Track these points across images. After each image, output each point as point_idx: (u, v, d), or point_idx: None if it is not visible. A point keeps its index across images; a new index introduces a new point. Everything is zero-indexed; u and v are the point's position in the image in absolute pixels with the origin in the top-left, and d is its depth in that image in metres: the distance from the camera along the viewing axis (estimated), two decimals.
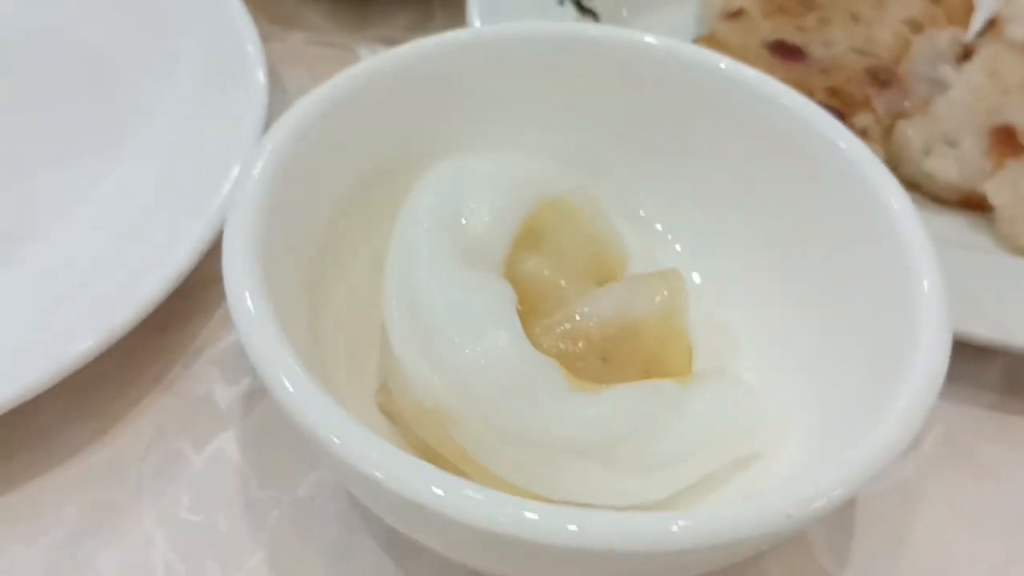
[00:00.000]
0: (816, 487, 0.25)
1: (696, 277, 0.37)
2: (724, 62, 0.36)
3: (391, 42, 0.54)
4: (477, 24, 0.45)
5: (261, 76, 0.42)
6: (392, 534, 0.33)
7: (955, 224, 0.45)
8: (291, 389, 0.26)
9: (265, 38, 0.46)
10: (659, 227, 0.39)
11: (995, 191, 0.43)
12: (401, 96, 0.36)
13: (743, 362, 0.35)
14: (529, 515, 0.23)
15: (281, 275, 0.30)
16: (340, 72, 0.34)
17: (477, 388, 0.29)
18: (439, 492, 0.24)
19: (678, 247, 0.38)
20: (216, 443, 0.35)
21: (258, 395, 0.36)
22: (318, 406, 0.25)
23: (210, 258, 0.36)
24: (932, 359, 0.28)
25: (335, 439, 0.25)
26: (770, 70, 0.44)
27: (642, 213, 0.38)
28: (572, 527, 0.23)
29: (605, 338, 0.33)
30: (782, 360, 0.35)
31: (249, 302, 0.27)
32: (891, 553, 0.35)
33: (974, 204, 0.44)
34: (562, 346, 0.32)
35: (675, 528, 0.24)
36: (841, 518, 0.36)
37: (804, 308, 0.34)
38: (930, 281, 0.29)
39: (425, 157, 0.35)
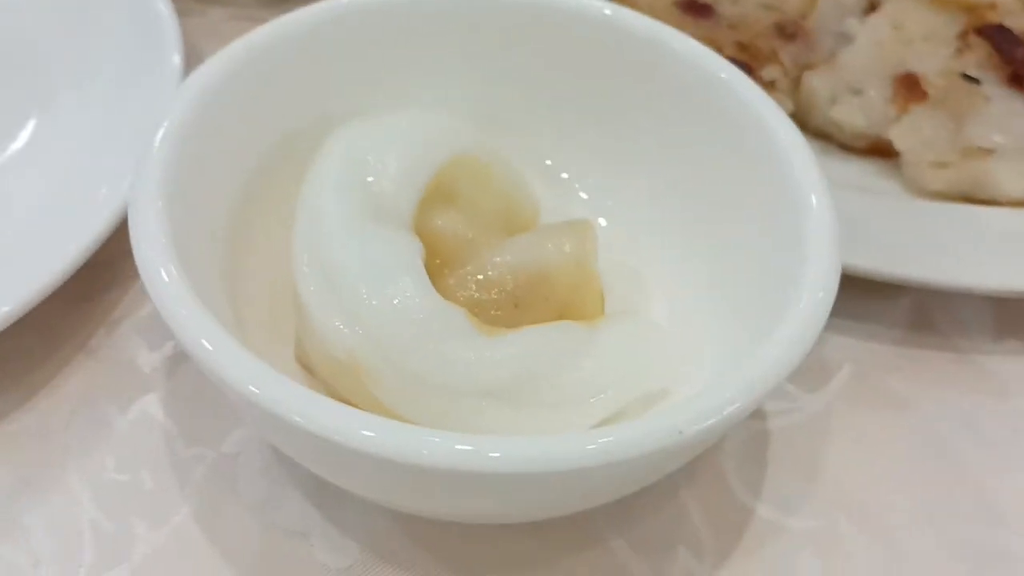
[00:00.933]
0: (706, 406, 0.26)
1: (603, 222, 0.38)
2: (630, 17, 0.37)
3: None
4: None
5: (176, 57, 0.43)
6: (316, 484, 0.34)
7: (863, 170, 0.46)
8: (210, 348, 0.27)
9: (185, 13, 0.47)
10: (565, 176, 0.40)
11: (900, 137, 0.45)
12: (311, 57, 0.37)
13: (653, 302, 0.37)
14: (460, 445, 0.25)
15: (192, 239, 0.31)
16: (245, 35, 0.35)
17: (386, 337, 0.30)
18: (368, 433, 0.25)
19: (584, 195, 0.39)
20: (140, 405, 0.36)
21: (180, 358, 0.37)
22: (237, 361, 0.26)
23: (127, 229, 0.37)
24: (817, 289, 0.29)
25: (254, 389, 0.26)
26: (680, 27, 0.45)
27: (548, 163, 0.39)
28: (495, 453, 0.25)
29: (517, 285, 0.34)
30: (688, 298, 0.36)
31: (161, 269, 0.28)
32: (804, 483, 0.36)
33: (881, 150, 0.46)
34: (476, 295, 0.34)
35: (576, 447, 0.25)
36: (755, 453, 0.37)
37: (706, 248, 0.36)
38: (818, 216, 0.31)
39: (338, 118, 0.36)
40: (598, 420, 0.32)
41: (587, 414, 0.32)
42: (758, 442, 0.37)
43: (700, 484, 0.36)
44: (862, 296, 0.41)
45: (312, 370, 0.33)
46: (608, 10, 0.37)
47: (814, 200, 0.31)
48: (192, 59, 0.44)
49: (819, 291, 0.29)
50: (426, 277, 0.31)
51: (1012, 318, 0.42)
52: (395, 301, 0.30)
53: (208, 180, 0.33)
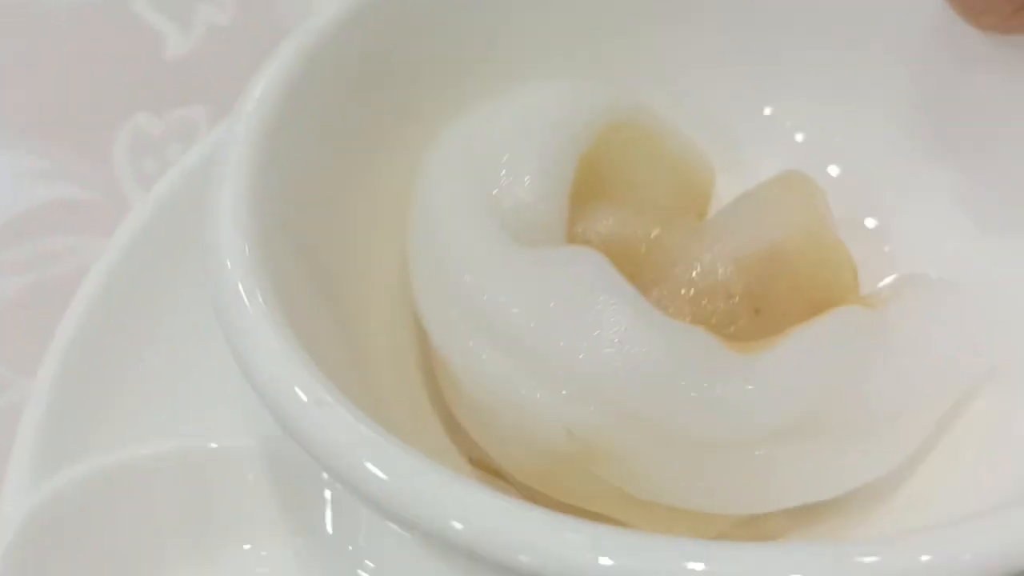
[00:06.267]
0: None
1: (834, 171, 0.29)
2: None
3: None
4: None
5: None
6: None
7: None
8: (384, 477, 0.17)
9: None
10: (768, 112, 0.30)
11: None
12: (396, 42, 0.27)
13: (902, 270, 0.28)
14: None
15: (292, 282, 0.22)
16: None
17: (617, 391, 0.21)
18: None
19: (799, 136, 0.30)
20: None
21: None
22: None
23: None
24: None
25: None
26: None
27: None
28: None
29: (749, 283, 0.25)
30: (952, 257, 0.27)
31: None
32: None
33: None
34: (701, 313, 0.25)
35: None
36: None
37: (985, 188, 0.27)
38: None
39: (438, 109, 0.27)
40: (918, 442, 0.24)
41: (904, 436, 0.24)
42: None
43: None
44: None
45: (503, 476, 0.24)
46: None
47: None
48: None
49: None
50: (637, 291, 0.23)
51: None
52: (615, 339, 0.21)
53: (296, 202, 0.24)
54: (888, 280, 0.26)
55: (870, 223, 0.28)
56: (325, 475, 0.25)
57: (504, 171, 0.25)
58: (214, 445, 0.26)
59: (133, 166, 0.37)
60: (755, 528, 0.24)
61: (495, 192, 0.25)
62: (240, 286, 0.20)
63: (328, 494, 0.26)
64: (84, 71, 0.40)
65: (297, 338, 0.20)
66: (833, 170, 0.29)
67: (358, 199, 0.26)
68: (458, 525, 0.17)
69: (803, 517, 0.24)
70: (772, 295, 0.25)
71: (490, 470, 0.24)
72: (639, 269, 0.25)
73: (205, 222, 0.21)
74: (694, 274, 0.25)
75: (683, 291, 0.25)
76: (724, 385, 0.21)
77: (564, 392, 0.21)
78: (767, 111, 0.30)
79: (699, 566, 0.15)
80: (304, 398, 0.18)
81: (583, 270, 0.23)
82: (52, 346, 0.27)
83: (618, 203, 0.27)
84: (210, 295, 0.21)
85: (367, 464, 0.17)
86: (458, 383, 0.23)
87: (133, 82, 0.39)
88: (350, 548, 0.26)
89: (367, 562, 0.25)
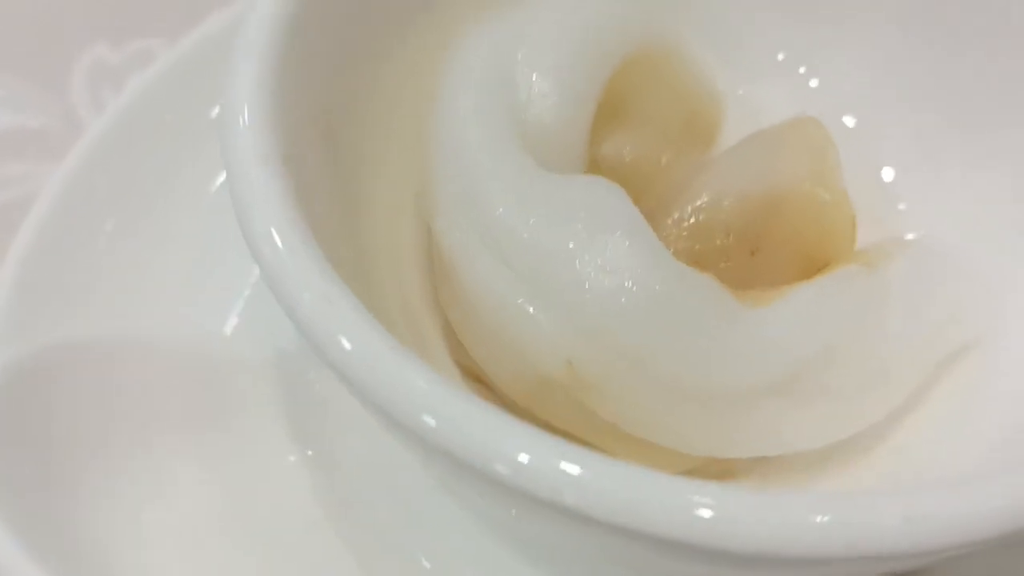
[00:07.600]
0: None
1: (850, 122, 0.29)
2: None
3: None
4: None
5: None
6: None
7: None
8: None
9: None
10: (782, 58, 0.30)
11: None
12: None
13: (911, 227, 0.28)
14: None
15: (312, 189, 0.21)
16: None
17: (625, 332, 0.21)
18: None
19: (814, 83, 0.29)
20: None
21: None
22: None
23: None
24: None
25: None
26: None
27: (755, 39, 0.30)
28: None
29: (748, 223, 0.25)
30: (960, 218, 0.27)
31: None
32: None
33: None
34: (699, 246, 0.25)
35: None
36: None
37: (992, 147, 0.27)
38: None
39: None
40: (901, 398, 0.24)
41: (889, 392, 0.24)
42: None
43: None
44: None
45: (486, 384, 0.24)
46: None
47: None
48: None
49: None
50: (654, 234, 0.22)
51: None
52: (630, 280, 0.21)
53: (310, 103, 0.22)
54: (886, 238, 0.27)
55: (887, 175, 0.28)
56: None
57: (531, 88, 0.25)
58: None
59: (91, 95, 0.37)
60: (720, 465, 0.24)
61: (520, 108, 0.24)
62: (253, 156, 0.19)
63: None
64: (42, 2, 0.39)
65: (306, 222, 0.19)
66: (849, 120, 0.29)
67: (379, 84, 0.25)
68: (431, 421, 0.16)
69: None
70: (769, 238, 0.25)
71: (477, 377, 0.24)
72: (644, 194, 0.25)
73: (226, 88, 0.20)
74: (696, 206, 0.25)
75: (684, 221, 0.25)
76: (729, 337, 0.22)
77: (572, 324, 0.21)
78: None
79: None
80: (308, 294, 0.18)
81: (603, 203, 0.23)
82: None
83: (632, 129, 0.27)
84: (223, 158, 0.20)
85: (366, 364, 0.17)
86: (462, 292, 0.23)
87: (91, 13, 0.39)
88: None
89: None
